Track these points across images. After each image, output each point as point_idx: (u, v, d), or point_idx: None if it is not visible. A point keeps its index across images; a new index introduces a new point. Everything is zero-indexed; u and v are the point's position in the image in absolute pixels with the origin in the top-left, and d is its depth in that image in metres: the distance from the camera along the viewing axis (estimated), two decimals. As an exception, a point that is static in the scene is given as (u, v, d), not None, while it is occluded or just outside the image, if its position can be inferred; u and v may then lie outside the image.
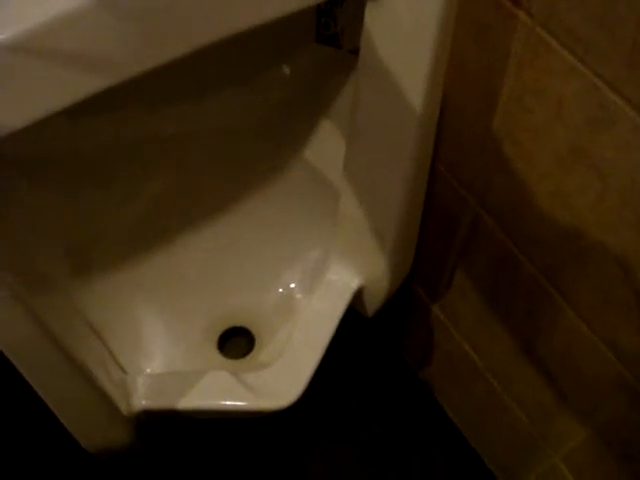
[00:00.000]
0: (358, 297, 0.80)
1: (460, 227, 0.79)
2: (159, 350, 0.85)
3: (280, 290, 0.90)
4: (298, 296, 0.88)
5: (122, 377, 0.73)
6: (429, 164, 0.69)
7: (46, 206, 0.73)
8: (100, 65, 0.44)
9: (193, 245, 0.87)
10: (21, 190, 0.69)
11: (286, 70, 0.78)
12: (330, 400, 1.08)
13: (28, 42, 0.40)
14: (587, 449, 0.77)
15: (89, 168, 0.76)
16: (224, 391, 0.71)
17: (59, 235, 0.75)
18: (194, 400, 0.71)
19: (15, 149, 0.66)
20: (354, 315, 0.83)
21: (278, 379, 0.73)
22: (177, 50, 0.46)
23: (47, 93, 0.43)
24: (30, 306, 0.54)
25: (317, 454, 1.05)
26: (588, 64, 0.52)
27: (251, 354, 0.87)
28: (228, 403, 0.70)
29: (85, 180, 0.76)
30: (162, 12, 0.44)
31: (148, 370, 0.82)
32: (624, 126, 0.51)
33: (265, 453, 1.04)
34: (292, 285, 0.90)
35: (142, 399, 0.70)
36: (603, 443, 0.73)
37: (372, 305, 0.82)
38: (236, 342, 0.89)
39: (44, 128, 0.46)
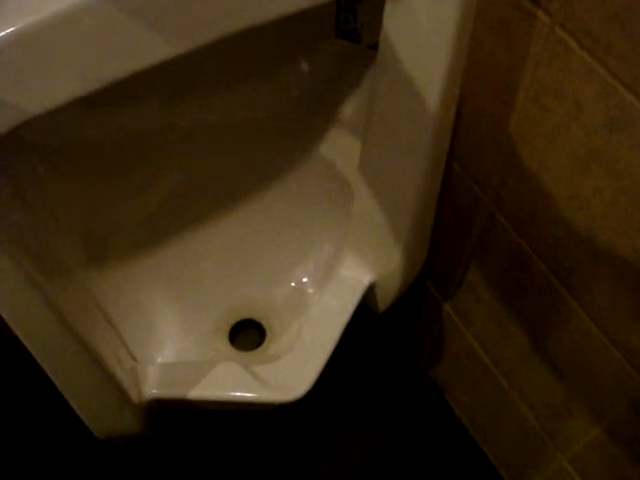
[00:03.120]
0: (370, 293, 0.80)
1: (474, 226, 0.79)
2: (171, 340, 0.85)
3: (292, 284, 0.90)
4: (310, 290, 0.89)
5: (133, 365, 0.73)
6: (444, 162, 0.69)
7: (64, 194, 0.73)
8: (116, 54, 0.44)
9: (207, 237, 0.88)
10: (41, 176, 0.70)
11: (304, 64, 0.78)
12: (339, 397, 1.08)
13: (44, 31, 0.41)
14: (595, 451, 0.77)
15: (107, 158, 0.76)
16: (234, 382, 0.71)
17: (76, 223, 0.75)
18: (204, 390, 0.71)
19: (36, 136, 0.66)
20: (365, 312, 0.83)
21: (288, 372, 0.73)
22: (195, 41, 0.47)
23: (64, 81, 0.44)
24: (45, 292, 0.55)
25: (325, 450, 1.05)
26: (606, 65, 0.52)
27: (262, 347, 0.87)
28: (237, 394, 0.71)
29: (103, 169, 0.77)
30: (180, 4, 0.45)
31: (159, 359, 0.83)
32: (641, 128, 0.52)
33: (273, 448, 1.05)
34: (304, 279, 0.90)
35: (153, 388, 0.71)
36: (611, 445, 0.73)
37: (384, 301, 0.82)
38: (247, 334, 0.89)
39: (64, 116, 0.47)
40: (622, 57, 0.50)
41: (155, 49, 0.46)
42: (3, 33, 0.39)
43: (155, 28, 0.45)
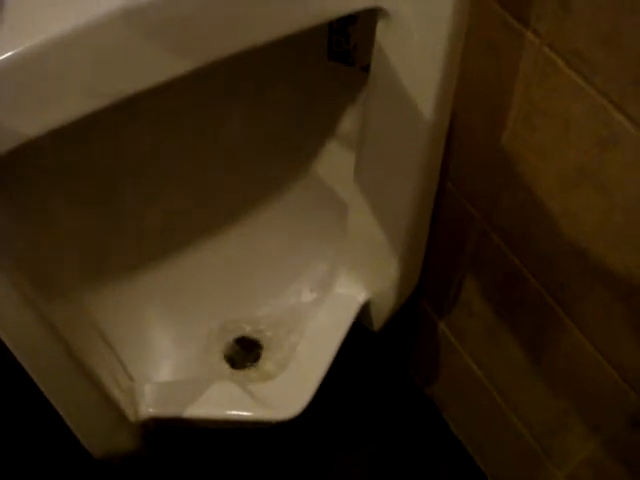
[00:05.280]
0: (365, 311, 0.80)
1: (467, 244, 0.80)
2: (167, 359, 0.85)
3: (288, 302, 0.90)
4: (305, 309, 0.89)
5: (130, 385, 0.73)
6: (437, 179, 0.70)
7: (62, 215, 0.73)
8: (118, 76, 0.45)
9: (202, 256, 0.88)
10: (40, 197, 0.70)
11: (298, 87, 0.79)
12: (335, 415, 1.08)
13: (46, 53, 0.41)
14: (591, 467, 0.77)
15: (104, 180, 0.77)
16: (230, 401, 0.71)
17: (74, 243, 0.76)
18: (200, 409, 0.71)
19: (35, 157, 0.67)
20: (361, 330, 0.83)
21: (284, 390, 0.73)
22: (189, 64, 0.47)
23: (60, 104, 0.44)
24: (43, 312, 0.55)
25: (321, 470, 1.05)
26: (594, 84, 0.53)
27: (257, 365, 0.88)
28: (234, 413, 0.71)
29: (100, 191, 0.77)
30: (181, 26, 0.45)
31: (155, 378, 0.83)
32: (629, 145, 0.52)
33: (269, 467, 1.04)
34: (300, 298, 0.90)
35: (149, 407, 0.71)
36: (607, 460, 0.73)
37: (378, 319, 0.83)
38: (243, 352, 0.89)
39: (60, 140, 0.47)
40: (609, 76, 0.51)
41: (156, 71, 0.47)
42: (2, 57, 0.40)
43: (161, 45, 0.45)
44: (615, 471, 0.73)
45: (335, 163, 0.83)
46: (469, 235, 0.78)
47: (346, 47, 0.72)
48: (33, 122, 0.44)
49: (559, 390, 0.75)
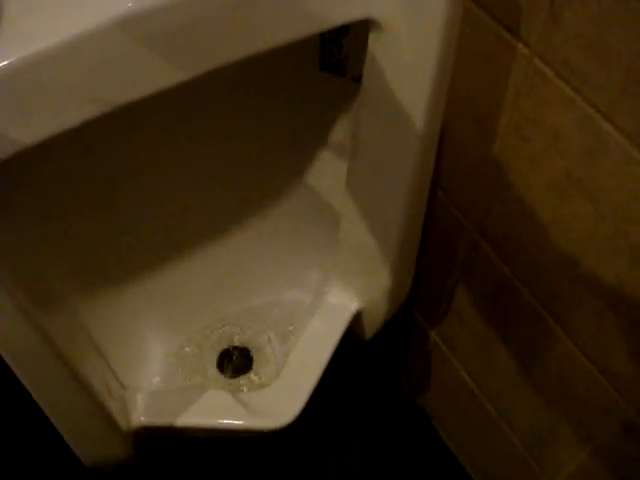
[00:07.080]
0: (356, 320, 0.80)
1: (458, 253, 0.80)
2: (158, 368, 0.85)
3: (280, 311, 0.91)
4: (297, 318, 0.89)
5: (122, 393, 0.73)
6: (428, 188, 0.70)
7: (56, 224, 0.74)
8: (115, 84, 0.45)
9: (195, 265, 0.88)
10: (35, 206, 0.70)
11: (289, 97, 0.79)
12: (326, 424, 1.08)
13: (43, 61, 0.42)
14: (582, 476, 0.77)
15: (97, 190, 0.77)
16: (222, 409, 0.71)
17: (67, 253, 0.76)
18: (192, 418, 0.71)
19: (30, 167, 0.67)
20: (352, 340, 0.83)
21: (276, 399, 0.73)
22: (184, 73, 0.48)
23: (57, 112, 0.45)
24: (36, 321, 0.55)
25: (313, 479, 1.05)
26: (583, 95, 0.53)
27: (249, 373, 0.88)
28: (226, 422, 0.71)
29: (93, 201, 0.77)
30: (177, 35, 0.46)
31: (147, 387, 0.83)
32: (617, 155, 0.53)
33: (261, 476, 1.04)
34: (292, 307, 0.90)
35: (141, 415, 0.71)
36: (598, 469, 0.74)
37: (370, 328, 0.83)
38: (235, 361, 0.89)
39: (59, 145, 0.47)
40: (598, 87, 0.52)
41: (148, 82, 0.47)
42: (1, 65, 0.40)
43: (157, 54, 0.45)
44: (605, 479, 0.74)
45: (327, 173, 0.83)
46: (460, 245, 0.79)
47: (338, 58, 0.72)
48: (30, 130, 0.44)
49: (550, 399, 0.76)
